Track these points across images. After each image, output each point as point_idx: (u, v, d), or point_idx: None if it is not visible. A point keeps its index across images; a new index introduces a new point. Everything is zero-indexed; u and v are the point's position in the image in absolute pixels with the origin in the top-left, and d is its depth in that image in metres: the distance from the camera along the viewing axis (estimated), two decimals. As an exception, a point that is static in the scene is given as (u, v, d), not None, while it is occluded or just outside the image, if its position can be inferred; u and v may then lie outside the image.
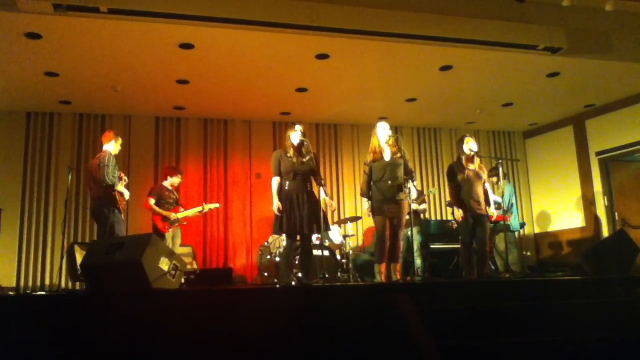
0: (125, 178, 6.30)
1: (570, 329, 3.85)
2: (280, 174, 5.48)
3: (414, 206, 6.43)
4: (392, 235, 5.63)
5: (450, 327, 3.60)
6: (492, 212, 6.20)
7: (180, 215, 7.18)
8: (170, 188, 7.38)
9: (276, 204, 5.36)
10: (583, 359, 3.58)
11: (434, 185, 9.95)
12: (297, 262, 6.50)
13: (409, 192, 5.62)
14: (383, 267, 5.60)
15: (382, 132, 5.75)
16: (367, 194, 5.74)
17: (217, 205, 7.87)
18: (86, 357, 3.16)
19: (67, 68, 6.86)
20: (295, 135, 5.51)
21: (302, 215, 5.35)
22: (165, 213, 7.09)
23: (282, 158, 5.49)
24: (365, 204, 5.76)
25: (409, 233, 7.57)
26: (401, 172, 5.66)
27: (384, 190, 5.59)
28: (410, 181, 5.63)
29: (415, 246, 7.67)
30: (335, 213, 9.33)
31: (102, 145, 6.36)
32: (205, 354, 3.28)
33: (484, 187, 6.18)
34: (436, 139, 10.24)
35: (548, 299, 4.35)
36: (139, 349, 3.20)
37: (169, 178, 7.42)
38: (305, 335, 3.44)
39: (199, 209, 7.44)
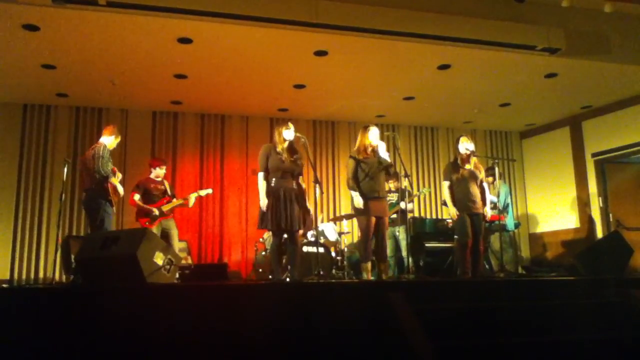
0: (119, 174, 6.22)
1: (564, 329, 3.87)
2: (267, 170, 5.42)
3: (401, 205, 6.46)
4: (378, 234, 5.66)
5: (444, 326, 3.61)
6: (487, 211, 6.22)
7: (165, 208, 7.01)
8: (157, 179, 7.14)
9: (263, 200, 5.30)
10: (576, 359, 3.59)
11: (429, 184, 9.97)
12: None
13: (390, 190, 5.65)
14: (369, 265, 5.68)
15: (373, 136, 5.74)
16: (354, 186, 5.66)
17: (210, 191, 7.64)
18: (79, 350, 3.16)
19: (64, 60, 6.83)
20: (288, 133, 5.49)
21: (290, 212, 5.33)
22: (146, 207, 6.89)
23: (271, 154, 5.44)
24: (356, 197, 5.60)
25: (396, 232, 7.59)
26: (383, 173, 5.72)
27: (367, 189, 5.61)
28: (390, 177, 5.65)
29: (403, 245, 7.68)
30: (331, 210, 9.35)
31: (98, 138, 6.32)
32: (198, 349, 3.28)
33: (480, 186, 6.23)
34: (433, 138, 10.25)
35: (542, 299, 4.37)
36: (132, 342, 3.20)
37: (152, 170, 7.18)
38: (299, 332, 3.45)
39: (180, 201, 7.19)
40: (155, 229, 6.82)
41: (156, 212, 6.91)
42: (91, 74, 7.27)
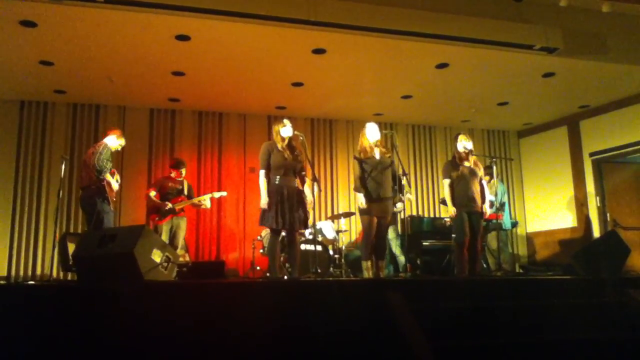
0: (118, 176, 6.28)
1: (561, 329, 3.88)
2: (268, 167, 5.41)
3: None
4: (379, 233, 5.67)
5: (442, 325, 3.61)
6: (486, 209, 6.22)
7: (177, 206, 7.09)
8: (177, 178, 7.32)
9: (265, 199, 5.27)
10: (573, 359, 3.60)
11: (427, 183, 9.98)
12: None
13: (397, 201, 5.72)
14: (369, 263, 5.70)
15: (371, 133, 5.74)
16: (360, 188, 5.66)
17: (224, 194, 7.80)
18: (77, 347, 3.16)
19: (62, 57, 6.82)
20: (286, 130, 5.48)
21: (292, 211, 5.33)
22: (158, 202, 7.03)
23: (273, 151, 5.43)
24: (361, 197, 5.62)
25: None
26: (389, 173, 5.70)
27: (370, 189, 5.61)
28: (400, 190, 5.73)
29: (394, 245, 7.71)
30: (329, 208, 9.35)
31: (96, 135, 6.40)
32: (195, 346, 3.28)
33: (480, 183, 6.22)
34: (431, 137, 10.26)
35: (539, 298, 4.37)
36: (130, 339, 3.20)
37: (172, 171, 7.42)
38: (296, 330, 3.44)
39: (193, 201, 7.31)
40: (165, 225, 6.90)
41: (169, 205, 6.97)
42: (89, 70, 7.25)
